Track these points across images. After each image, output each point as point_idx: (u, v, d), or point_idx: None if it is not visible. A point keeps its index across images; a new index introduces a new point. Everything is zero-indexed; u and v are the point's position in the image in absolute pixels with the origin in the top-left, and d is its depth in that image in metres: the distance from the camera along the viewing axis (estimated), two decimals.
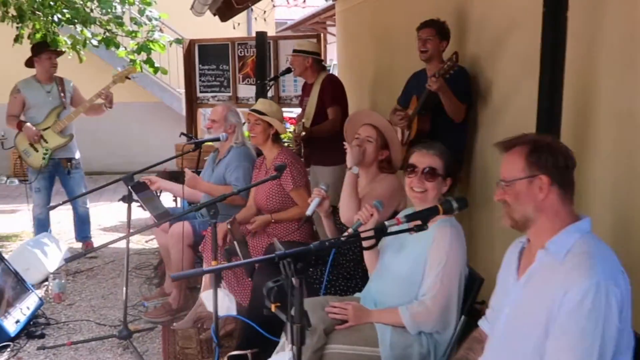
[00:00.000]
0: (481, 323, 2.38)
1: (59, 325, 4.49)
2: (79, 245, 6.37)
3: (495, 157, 4.05)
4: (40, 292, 4.97)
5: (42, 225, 5.98)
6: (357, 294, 3.05)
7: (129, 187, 3.85)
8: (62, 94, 5.91)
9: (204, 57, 8.56)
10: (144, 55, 6.70)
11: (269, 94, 7.34)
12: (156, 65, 6.77)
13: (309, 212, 3.34)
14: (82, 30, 6.17)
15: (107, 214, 8.08)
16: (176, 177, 6.64)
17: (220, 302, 2.94)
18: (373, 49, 6.67)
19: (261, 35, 7.57)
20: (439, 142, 2.90)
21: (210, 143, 6.06)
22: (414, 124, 4.38)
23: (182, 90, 9.40)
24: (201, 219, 4.57)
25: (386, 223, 2.31)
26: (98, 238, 6.60)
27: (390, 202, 3.29)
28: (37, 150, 5.78)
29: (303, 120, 5.37)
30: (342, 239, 2.43)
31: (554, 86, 2.96)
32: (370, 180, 3.48)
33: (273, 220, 4.13)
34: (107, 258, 6.14)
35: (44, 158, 5.76)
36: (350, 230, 2.85)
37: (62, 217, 6.96)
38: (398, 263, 2.81)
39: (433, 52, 4.35)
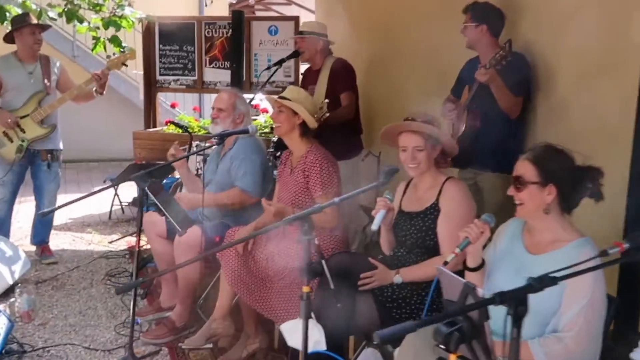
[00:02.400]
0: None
1: (38, 353, 3.70)
2: (32, 248, 5.47)
3: None
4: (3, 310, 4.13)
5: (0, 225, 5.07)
6: None
7: (146, 189, 3.13)
8: (45, 78, 5.01)
9: (165, 36, 7.75)
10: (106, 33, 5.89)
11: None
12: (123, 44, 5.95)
13: (374, 227, 2.84)
14: None
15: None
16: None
17: (312, 336, 2.31)
18: (367, 34, 6.11)
19: (238, 15, 6.91)
20: (544, 144, 2.43)
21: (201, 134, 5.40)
22: (464, 118, 3.87)
23: (139, 72, 8.52)
24: (212, 222, 3.88)
25: None
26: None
27: (468, 212, 2.90)
28: (11, 141, 4.88)
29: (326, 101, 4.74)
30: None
31: None
32: (430, 185, 3.02)
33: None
34: (69, 263, 5.32)
35: (19, 151, 4.87)
36: (457, 250, 2.39)
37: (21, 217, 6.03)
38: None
39: (475, 38, 3.85)
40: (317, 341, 2.28)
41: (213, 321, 3.56)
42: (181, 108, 10.03)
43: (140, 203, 3.21)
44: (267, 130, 7.45)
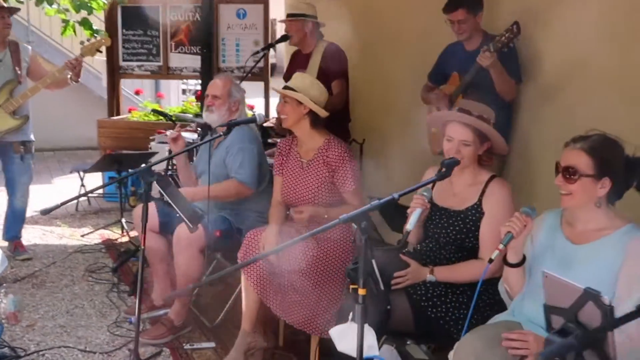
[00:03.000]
0: None
1: (32, 357, 3.52)
2: (3, 244, 5.21)
3: (541, 138, 3.80)
4: None
5: None
6: (501, 318, 2.49)
7: (157, 184, 2.98)
8: (16, 66, 4.73)
9: (128, 21, 7.51)
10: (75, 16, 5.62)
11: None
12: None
13: (410, 227, 2.68)
14: None
15: None
16: (119, 160, 5.72)
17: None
18: (350, 17, 6.01)
19: None
20: (599, 133, 2.34)
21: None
22: (457, 105, 3.85)
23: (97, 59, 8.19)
24: (214, 216, 3.75)
25: None
26: None
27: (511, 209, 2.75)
28: None
29: None
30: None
31: None
32: (470, 182, 2.91)
33: (326, 216, 3.34)
34: (45, 259, 5.10)
35: None
36: (500, 246, 2.30)
37: None
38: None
39: (472, 30, 3.87)
40: (370, 346, 2.18)
41: (246, 335, 3.38)
42: (143, 95, 9.73)
43: (146, 198, 3.07)
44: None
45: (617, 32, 3.32)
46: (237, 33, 7.43)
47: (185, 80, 11.28)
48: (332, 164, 3.37)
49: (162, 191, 3.03)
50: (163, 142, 6.40)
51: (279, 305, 3.29)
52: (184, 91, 12.02)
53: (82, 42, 5.38)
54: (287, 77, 5.01)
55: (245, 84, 4.35)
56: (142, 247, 3.12)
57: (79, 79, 4.82)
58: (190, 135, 5.66)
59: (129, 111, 7.98)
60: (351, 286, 2.21)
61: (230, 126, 3.32)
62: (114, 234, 5.83)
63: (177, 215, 3.09)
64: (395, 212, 3.62)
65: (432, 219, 2.96)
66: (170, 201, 3.01)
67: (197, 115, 6.19)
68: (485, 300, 2.81)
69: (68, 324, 3.94)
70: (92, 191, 4.56)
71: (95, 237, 5.76)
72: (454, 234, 2.86)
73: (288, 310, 3.30)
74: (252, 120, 3.43)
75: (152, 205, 3.99)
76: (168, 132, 3.98)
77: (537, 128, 3.84)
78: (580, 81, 3.55)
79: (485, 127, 2.82)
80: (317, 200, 3.41)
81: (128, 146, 7.39)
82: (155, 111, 6.15)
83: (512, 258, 2.38)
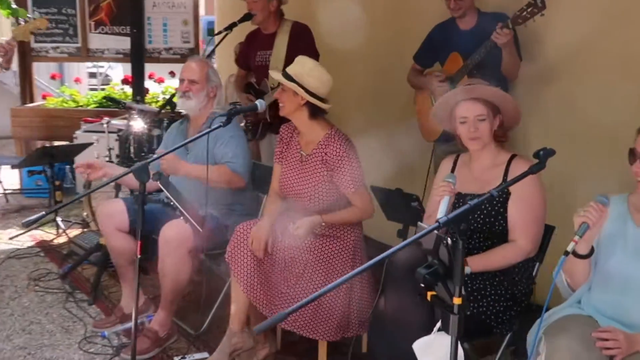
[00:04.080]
0: None
1: None
2: None
3: (540, 120, 3.71)
4: None
5: None
6: (566, 310, 2.35)
7: (160, 184, 2.60)
8: None
9: None
10: None
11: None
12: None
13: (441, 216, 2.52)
14: None
15: None
16: (52, 154, 5.17)
17: (444, 352, 1.99)
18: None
19: None
20: None
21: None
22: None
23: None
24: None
25: None
26: None
27: (543, 194, 2.65)
28: None
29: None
30: None
31: None
32: (491, 164, 2.75)
33: (323, 224, 3.07)
34: None
35: None
36: (576, 238, 2.14)
37: None
38: None
39: (467, 8, 3.70)
40: (460, 357, 1.97)
41: (232, 335, 3.09)
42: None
43: (142, 200, 2.67)
44: (161, 102, 6.85)
45: (618, 13, 3.30)
46: (164, 12, 6.92)
47: (95, 63, 10.50)
48: (330, 162, 3.06)
49: (166, 191, 2.65)
50: (91, 131, 5.89)
51: (269, 307, 3.00)
52: (92, 74, 11.19)
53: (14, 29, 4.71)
54: (242, 60, 4.66)
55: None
56: (138, 255, 2.73)
57: (10, 66, 4.25)
58: (119, 122, 5.20)
59: (43, 98, 7.28)
60: (430, 293, 2.01)
61: (231, 115, 2.96)
62: (47, 234, 5.26)
63: (180, 215, 2.73)
64: (398, 202, 3.45)
65: (455, 208, 2.78)
66: (175, 202, 2.64)
67: (136, 101, 5.67)
68: (522, 290, 2.70)
69: (29, 345, 3.44)
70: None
71: (26, 239, 5.17)
72: (483, 218, 2.70)
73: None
74: (254, 107, 3.08)
75: (119, 202, 3.61)
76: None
77: (535, 109, 3.75)
78: (580, 62, 3.51)
79: (496, 91, 2.68)
80: (314, 200, 3.12)
81: (47, 136, 6.76)
82: (109, 99, 5.57)
83: (583, 249, 2.23)
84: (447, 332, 1.90)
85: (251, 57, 4.46)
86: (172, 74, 7.11)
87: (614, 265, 2.25)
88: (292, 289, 3.03)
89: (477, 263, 2.64)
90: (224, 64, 7.32)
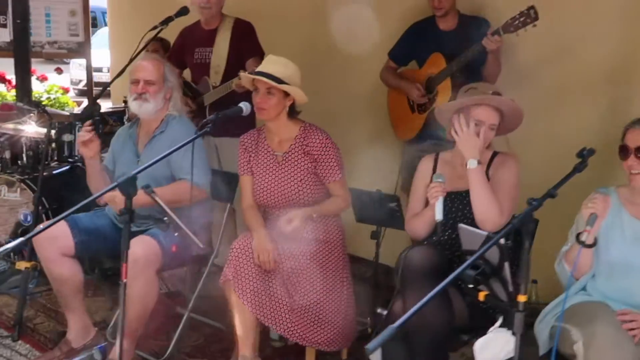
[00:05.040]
0: None
1: None
2: None
3: None
4: None
5: None
6: (578, 298, 2.45)
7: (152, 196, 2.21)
8: None
9: None
10: None
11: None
12: None
13: (440, 217, 2.56)
14: None
15: None
16: None
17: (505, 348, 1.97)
18: None
19: None
20: None
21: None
22: (446, 89, 3.56)
23: None
24: (164, 229, 2.97)
25: None
26: None
27: (518, 180, 2.73)
28: None
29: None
30: None
31: None
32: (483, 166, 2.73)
33: (315, 216, 2.91)
34: None
35: None
36: (588, 227, 2.28)
37: None
38: None
39: (450, 8, 3.64)
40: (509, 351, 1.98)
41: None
42: None
43: (130, 217, 2.27)
44: (45, 102, 6.18)
45: (600, 15, 3.39)
46: (47, 2, 6.20)
47: None
48: (314, 152, 2.95)
49: (163, 205, 2.28)
50: None
51: (275, 322, 2.81)
52: None
53: None
54: (175, 57, 4.23)
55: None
56: (124, 280, 2.34)
57: None
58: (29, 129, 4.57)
59: None
60: (482, 293, 2.12)
61: (215, 121, 2.62)
62: None
63: (175, 233, 2.36)
64: (375, 203, 3.30)
65: (445, 206, 2.71)
66: (175, 218, 2.28)
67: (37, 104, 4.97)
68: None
69: None
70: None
71: None
72: (472, 213, 2.68)
73: (292, 326, 2.83)
74: (239, 111, 2.77)
75: (60, 223, 3.09)
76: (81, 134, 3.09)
77: None
78: (559, 66, 3.56)
79: (519, 110, 2.73)
80: (302, 197, 2.96)
81: None
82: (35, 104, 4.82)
83: (590, 239, 2.32)
84: (510, 329, 1.97)
85: (188, 53, 4.07)
86: (58, 70, 6.40)
87: (615, 254, 2.41)
88: (292, 298, 2.85)
89: None
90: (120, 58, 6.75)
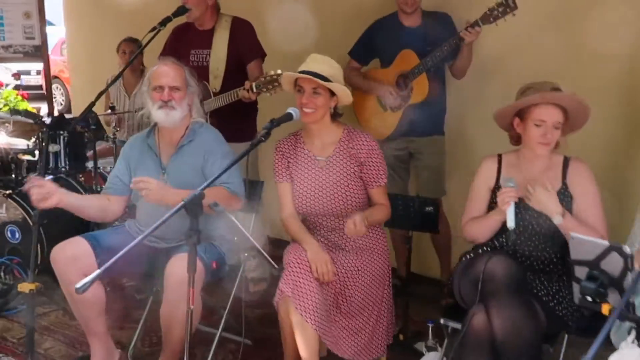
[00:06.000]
0: None
1: None
2: None
3: (478, 117, 3.77)
4: None
5: None
6: None
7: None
8: None
9: None
10: None
11: None
12: None
13: (512, 224, 2.50)
14: None
15: None
16: None
17: None
18: None
19: None
20: None
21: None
22: (422, 85, 3.60)
23: None
24: (204, 244, 2.85)
25: None
26: None
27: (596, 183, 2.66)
28: None
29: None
30: None
31: None
32: (546, 167, 2.69)
33: (367, 224, 2.77)
34: None
35: None
36: None
37: None
38: None
39: (418, 5, 3.67)
40: None
41: None
42: None
43: (197, 239, 2.15)
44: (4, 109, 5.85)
45: (555, 12, 3.48)
46: (1, 3, 5.85)
47: None
48: (360, 156, 2.87)
49: (237, 224, 2.16)
50: None
51: (334, 342, 2.74)
52: None
53: None
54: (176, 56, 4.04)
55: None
56: (191, 306, 2.23)
57: None
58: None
59: None
60: (606, 306, 2.02)
61: (270, 129, 2.51)
62: None
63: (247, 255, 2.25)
64: (410, 208, 3.28)
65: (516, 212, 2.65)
66: (251, 238, 2.17)
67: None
68: None
69: None
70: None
71: None
72: (549, 221, 2.60)
73: (340, 341, 2.77)
74: (289, 117, 2.66)
75: (81, 241, 2.94)
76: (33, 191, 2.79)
77: (473, 107, 3.85)
78: (518, 62, 3.63)
79: (583, 103, 2.63)
80: (348, 203, 2.88)
81: None
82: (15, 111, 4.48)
83: None
84: None
85: (183, 55, 3.81)
86: (16, 76, 6.03)
87: None
88: (340, 309, 2.79)
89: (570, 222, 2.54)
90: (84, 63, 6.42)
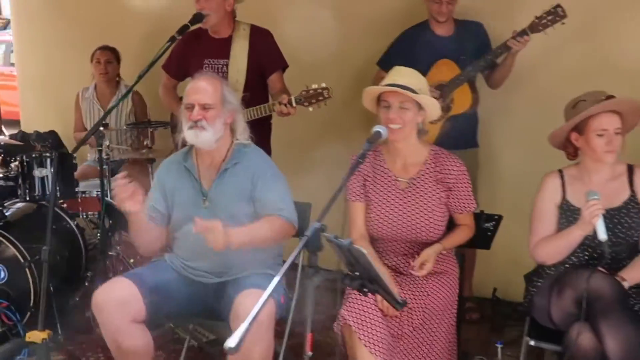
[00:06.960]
0: None
1: None
2: None
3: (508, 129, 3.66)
4: None
5: None
6: None
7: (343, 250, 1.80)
8: None
9: None
10: None
11: None
12: None
13: (604, 236, 2.39)
14: None
15: None
16: None
17: None
18: None
19: None
20: None
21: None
22: (464, 96, 3.47)
23: None
24: (261, 274, 2.58)
25: None
26: None
27: None
28: None
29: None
30: None
31: None
32: (610, 176, 2.63)
33: (443, 250, 2.64)
34: None
35: None
36: None
37: None
38: None
39: (453, 10, 3.52)
40: None
41: None
42: None
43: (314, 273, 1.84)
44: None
45: (583, 24, 3.41)
46: None
47: None
48: (449, 181, 2.68)
49: (371, 262, 1.86)
50: None
51: None
52: None
53: None
54: (176, 68, 3.68)
55: None
56: (309, 353, 1.94)
57: None
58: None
59: None
60: None
61: (368, 150, 2.24)
62: None
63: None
64: None
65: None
66: (379, 273, 1.88)
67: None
68: None
69: None
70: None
71: None
72: (624, 231, 2.58)
73: None
74: (379, 135, 2.38)
75: (127, 283, 2.58)
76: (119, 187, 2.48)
77: (499, 118, 3.77)
78: (545, 73, 3.59)
79: (636, 102, 2.59)
80: (431, 230, 2.67)
81: None
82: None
83: None
84: None
85: (193, 65, 3.48)
86: None
87: None
88: (407, 338, 2.58)
89: (631, 275, 2.53)
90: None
